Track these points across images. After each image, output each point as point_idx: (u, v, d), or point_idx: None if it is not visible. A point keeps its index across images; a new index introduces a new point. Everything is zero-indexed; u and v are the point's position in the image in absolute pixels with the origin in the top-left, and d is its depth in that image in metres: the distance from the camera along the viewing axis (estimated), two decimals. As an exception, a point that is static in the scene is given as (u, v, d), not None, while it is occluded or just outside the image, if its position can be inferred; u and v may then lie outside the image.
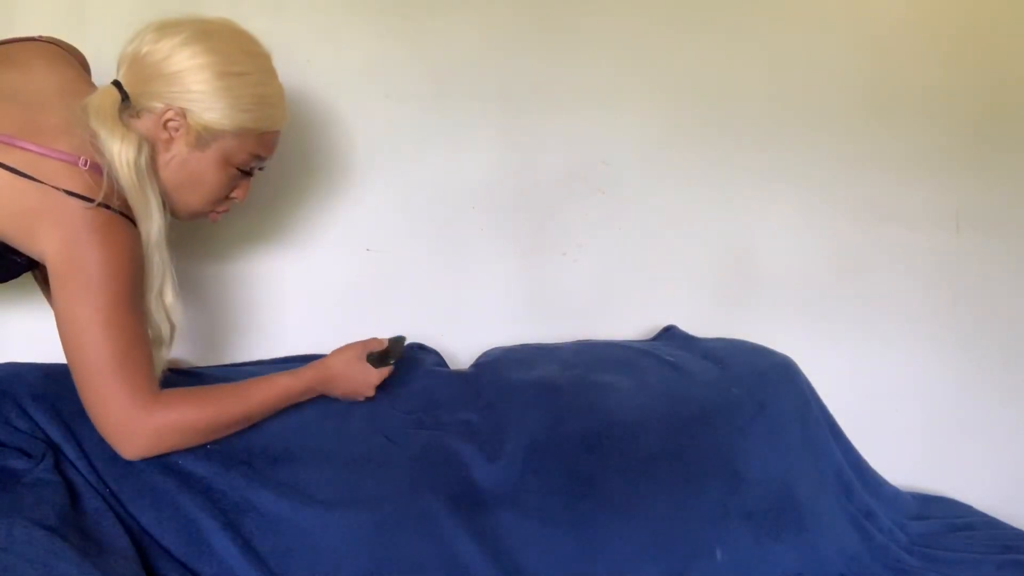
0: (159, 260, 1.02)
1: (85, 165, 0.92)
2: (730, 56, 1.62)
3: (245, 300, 1.49)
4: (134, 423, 0.91)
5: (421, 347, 1.46)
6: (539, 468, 1.15)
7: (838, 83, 1.66)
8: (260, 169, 1.12)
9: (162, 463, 0.97)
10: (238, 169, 1.06)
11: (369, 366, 1.15)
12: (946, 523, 1.38)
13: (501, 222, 1.57)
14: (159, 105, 0.98)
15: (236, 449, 1.03)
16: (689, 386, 1.33)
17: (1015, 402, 1.75)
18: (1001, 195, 1.72)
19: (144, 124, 1.00)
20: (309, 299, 1.51)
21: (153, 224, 1.00)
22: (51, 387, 1.00)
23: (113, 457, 0.94)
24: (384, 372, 1.16)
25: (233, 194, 1.10)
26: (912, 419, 1.71)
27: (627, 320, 1.62)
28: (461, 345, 1.54)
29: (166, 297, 1.05)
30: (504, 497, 1.10)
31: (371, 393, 1.15)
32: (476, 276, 1.57)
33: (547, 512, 1.09)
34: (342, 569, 0.96)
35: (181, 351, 1.43)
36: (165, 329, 1.05)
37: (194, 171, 1.03)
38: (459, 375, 1.40)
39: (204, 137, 1.00)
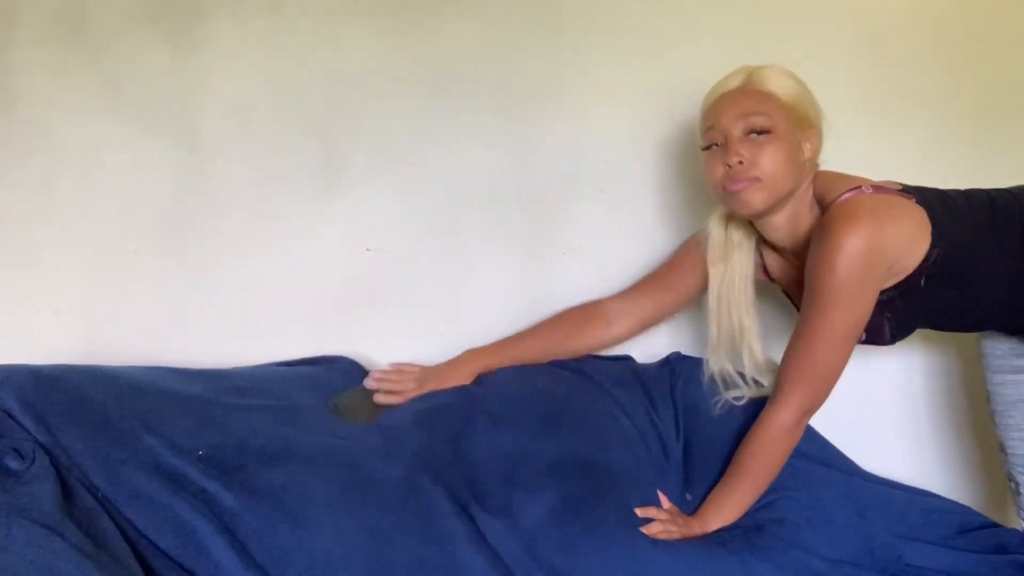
0: None
1: None
2: (730, 55, 1.62)
3: (245, 300, 1.49)
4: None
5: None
6: (535, 484, 1.14)
7: (837, 83, 1.65)
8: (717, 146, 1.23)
9: (155, 466, 0.97)
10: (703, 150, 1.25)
11: None
12: (945, 523, 1.38)
13: (501, 222, 1.57)
14: None
15: (230, 451, 1.03)
16: (689, 412, 1.37)
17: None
18: (1001, 196, 1.72)
19: None
20: (309, 299, 1.51)
21: None
22: (40, 392, 1.00)
23: (103, 462, 0.95)
24: None
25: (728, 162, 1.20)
26: (909, 418, 1.71)
27: (627, 320, 1.62)
28: (461, 345, 1.54)
29: None
30: (496, 510, 1.10)
31: None
32: (476, 276, 1.57)
33: (536, 531, 1.09)
34: (339, 571, 0.96)
35: (180, 350, 1.43)
36: None
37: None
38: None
39: None
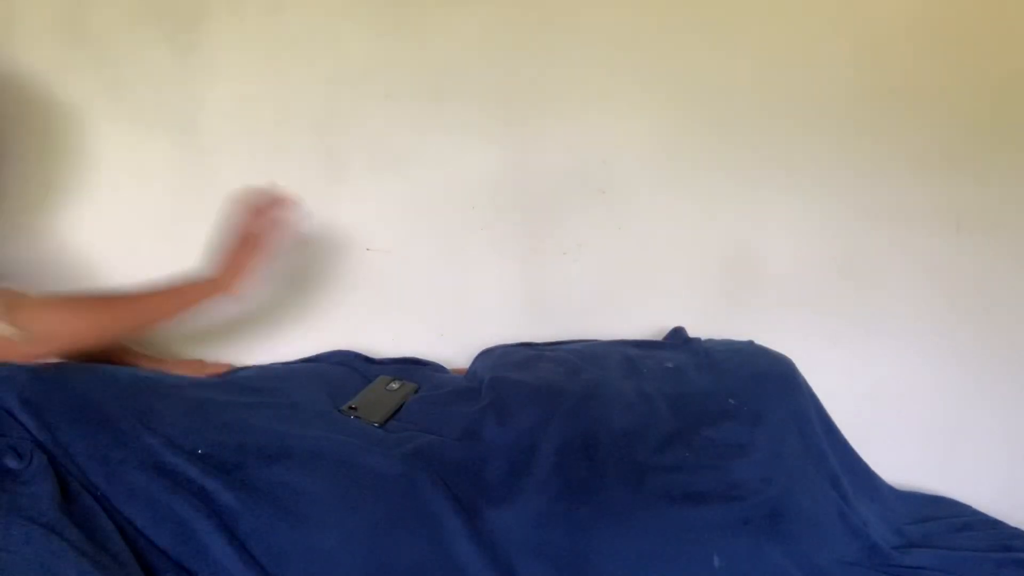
0: None
1: None
2: (730, 55, 1.62)
3: (245, 300, 1.49)
4: None
5: (416, 361, 1.47)
6: (537, 473, 1.14)
7: (838, 82, 1.66)
8: None
9: (154, 464, 0.97)
10: None
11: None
12: (946, 523, 1.38)
13: (501, 222, 1.57)
14: None
15: (229, 449, 1.03)
16: (688, 396, 1.33)
17: (1015, 402, 1.75)
18: (1001, 195, 1.72)
19: None
20: (309, 299, 1.51)
21: None
22: (39, 391, 1.00)
23: (102, 461, 0.95)
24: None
25: None
26: (912, 419, 1.71)
27: (627, 320, 1.62)
28: (460, 345, 1.54)
29: None
30: (501, 501, 1.10)
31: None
32: (476, 276, 1.57)
33: (544, 518, 1.09)
34: (339, 570, 0.96)
35: (181, 350, 1.43)
36: None
37: None
38: (458, 376, 1.40)
39: None
